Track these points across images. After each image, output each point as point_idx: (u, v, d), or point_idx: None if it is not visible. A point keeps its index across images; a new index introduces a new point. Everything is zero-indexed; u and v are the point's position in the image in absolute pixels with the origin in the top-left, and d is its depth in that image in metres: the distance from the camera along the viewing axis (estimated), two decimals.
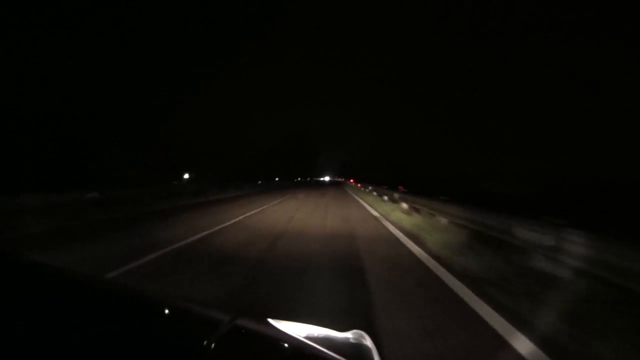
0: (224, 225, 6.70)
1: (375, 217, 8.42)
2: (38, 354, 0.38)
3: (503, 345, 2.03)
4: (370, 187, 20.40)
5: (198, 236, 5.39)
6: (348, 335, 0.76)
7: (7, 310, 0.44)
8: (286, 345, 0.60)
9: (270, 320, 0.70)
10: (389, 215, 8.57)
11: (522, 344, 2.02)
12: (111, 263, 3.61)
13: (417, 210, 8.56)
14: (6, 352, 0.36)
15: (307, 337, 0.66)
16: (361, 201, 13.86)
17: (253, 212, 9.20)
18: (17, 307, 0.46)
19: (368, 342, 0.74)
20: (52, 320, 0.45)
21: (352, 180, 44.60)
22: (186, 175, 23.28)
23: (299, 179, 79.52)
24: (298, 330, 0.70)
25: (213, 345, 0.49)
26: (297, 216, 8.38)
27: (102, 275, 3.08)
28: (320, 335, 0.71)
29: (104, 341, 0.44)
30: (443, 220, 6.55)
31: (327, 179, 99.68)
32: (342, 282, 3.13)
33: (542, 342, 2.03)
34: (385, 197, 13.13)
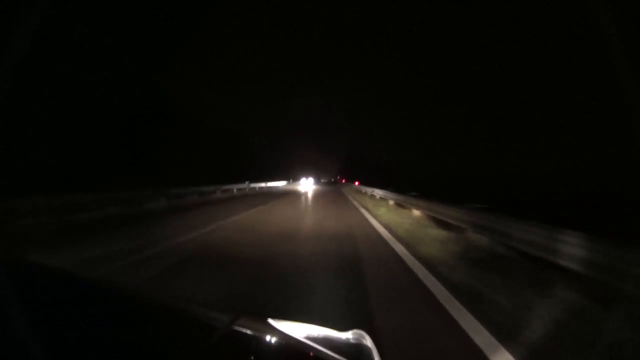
0: None
1: None
2: (39, 353, 0.38)
3: None
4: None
5: None
6: (348, 335, 0.76)
7: (7, 310, 0.45)
8: (286, 345, 0.60)
9: (270, 320, 0.70)
10: None
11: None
12: None
13: None
14: (7, 352, 0.37)
15: (307, 337, 0.66)
16: None
17: None
18: (18, 308, 0.46)
19: (368, 342, 0.74)
20: (53, 321, 0.45)
21: (357, 183, 29.61)
22: None
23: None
24: (298, 330, 0.70)
25: (214, 345, 0.50)
26: None
27: None
28: (320, 335, 0.71)
29: (104, 341, 0.45)
30: None
31: (311, 180, 47.85)
32: None
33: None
34: None
